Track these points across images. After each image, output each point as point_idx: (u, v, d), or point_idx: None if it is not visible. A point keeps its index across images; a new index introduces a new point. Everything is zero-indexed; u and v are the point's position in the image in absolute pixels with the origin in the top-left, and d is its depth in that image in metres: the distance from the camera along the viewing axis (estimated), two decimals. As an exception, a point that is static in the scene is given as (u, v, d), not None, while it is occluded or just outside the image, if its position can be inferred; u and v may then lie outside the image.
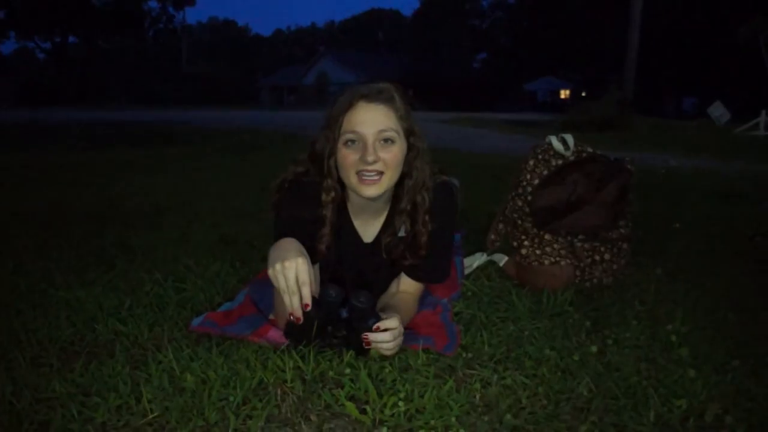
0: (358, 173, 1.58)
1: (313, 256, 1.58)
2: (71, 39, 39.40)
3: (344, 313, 1.50)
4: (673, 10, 32.90)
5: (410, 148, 1.67)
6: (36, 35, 38.32)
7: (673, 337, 1.68)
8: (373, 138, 1.58)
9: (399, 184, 1.69)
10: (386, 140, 1.59)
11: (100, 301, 1.90)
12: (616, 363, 1.55)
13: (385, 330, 1.48)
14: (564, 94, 41.56)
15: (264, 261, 2.37)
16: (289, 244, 1.47)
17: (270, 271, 1.42)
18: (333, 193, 1.66)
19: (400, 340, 1.52)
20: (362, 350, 1.51)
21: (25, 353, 1.54)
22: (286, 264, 1.40)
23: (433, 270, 1.81)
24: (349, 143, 1.60)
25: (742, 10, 18.48)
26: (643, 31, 18.50)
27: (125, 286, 2.07)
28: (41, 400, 1.33)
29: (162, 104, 31.15)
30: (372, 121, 1.59)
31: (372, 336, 1.48)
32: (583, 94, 30.80)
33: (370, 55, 46.01)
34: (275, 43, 75.83)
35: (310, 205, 1.66)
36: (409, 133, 1.66)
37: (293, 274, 1.40)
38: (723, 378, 1.45)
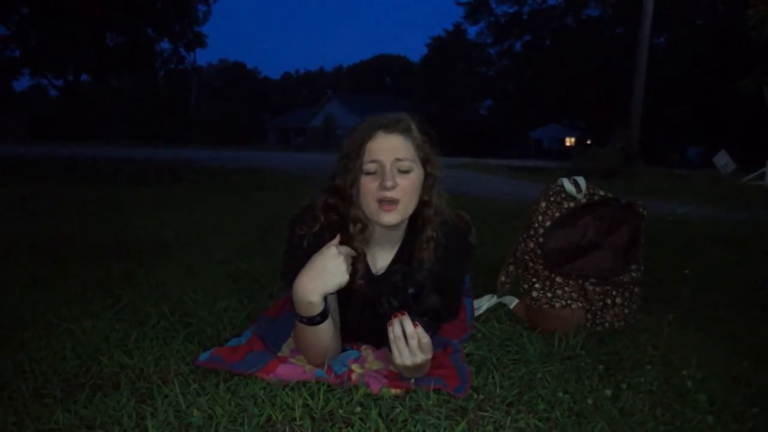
0: (379, 201, 1.60)
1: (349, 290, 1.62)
2: (83, 77, 40.01)
3: (411, 290, 1.51)
4: (677, 60, 33.35)
5: (428, 176, 1.70)
6: (49, 73, 38.93)
7: (689, 383, 1.64)
8: (391, 165, 1.60)
9: (418, 215, 1.71)
10: (403, 170, 1.62)
11: (105, 333, 1.87)
12: (631, 408, 1.51)
13: (420, 334, 1.49)
14: (569, 141, 41.82)
15: (271, 298, 2.37)
16: None
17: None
18: (360, 224, 1.67)
19: (417, 359, 1.51)
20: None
21: (28, 384, 1.52)
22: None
23: (445, 308, 1.76)
24: (370, 172, 1.62)
25: (745, 62, 18.69)
26: (648, 81, 18.67)
27: (131, 319, 2.05)
28: (44, 432, 1.30)
29: (171, 143, 31.46)
30: (390, 150, 1.62)
31: (407, 323, 1.49)
32: (588, 142, 31.01)
33: (377, 99, 46.46)
34: (284, 86, 76.85)
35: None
36: (426, 162, 1.69)
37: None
38: (743, 426, 1.42)
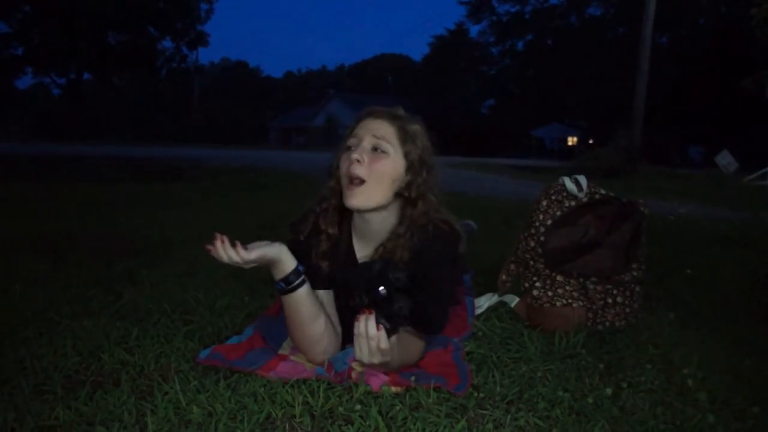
0: (349, 178, 1.62)
1: (317, 276, 1.68)
2: (86, 75, 39.93)
3: (382, 290, 1.47)
4: (680, 60, 33.32)
5: (413, 171, 1.67)
6: (52, 71, 38.87)
7: (690, 382, 1.64)
8: (367, 140, 1.63)
9: (402, 213, 1.71)
10: (377, 149, 1.63)
11: (106, 331, 1.87)
12: (632, 407, 1.51)
13: (380, 340, 1.42)
14: (571, 141, 41.76)
15: (272, 297, 2.36)
16: None
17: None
18: (334, 200, 1.70)
19: (374, 359, 1.46)
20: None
21: (28, 380, 1.52)
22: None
23: (425, 318, 1.67)
24: (348, 147, 1.66)
25: (747, 61, 18.70)
26: (650, 80, 18.65)
27: (132, 317, 2.05)
28: (44, 428, 1.31)
29: (173, 142, 31.49)
30: (370, 128, 1.65)
31: (371, 323, 1.42)
32: (591, 141, 30.98)
33: (379, 98, 46.31)
34: (286, 85, 76.80)
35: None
36: (413, 159, 1.67)
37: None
38: (743, 424, 1.42)
